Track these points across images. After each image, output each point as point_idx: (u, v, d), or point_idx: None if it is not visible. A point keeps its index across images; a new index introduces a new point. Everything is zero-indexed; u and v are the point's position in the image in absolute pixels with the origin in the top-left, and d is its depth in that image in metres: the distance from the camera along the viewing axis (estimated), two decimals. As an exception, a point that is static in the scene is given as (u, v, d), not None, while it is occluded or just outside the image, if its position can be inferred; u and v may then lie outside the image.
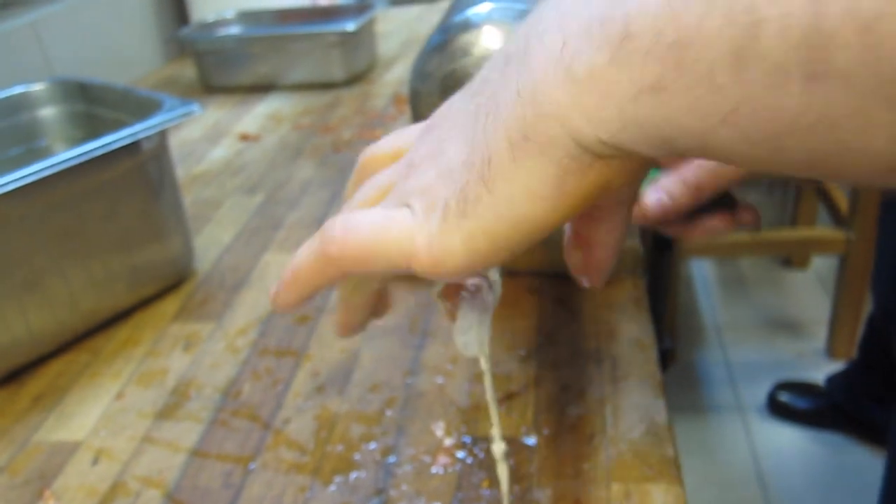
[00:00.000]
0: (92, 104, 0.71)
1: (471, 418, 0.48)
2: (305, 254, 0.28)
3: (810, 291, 2.07)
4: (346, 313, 0.32)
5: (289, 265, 0.28)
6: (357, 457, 0.46)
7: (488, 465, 0.44)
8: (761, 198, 2.20)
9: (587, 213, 0.28)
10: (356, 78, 1.17)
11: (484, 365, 0.33)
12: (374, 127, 0.98)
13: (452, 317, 0.33)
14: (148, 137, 0.59)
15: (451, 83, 0.51)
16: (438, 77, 0.51)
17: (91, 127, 0.70)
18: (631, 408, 0.47)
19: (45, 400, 0.53)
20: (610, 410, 0.47)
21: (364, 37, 1.19)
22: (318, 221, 0.74)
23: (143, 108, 0.62)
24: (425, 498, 0.42)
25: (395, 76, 1.18)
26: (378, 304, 0.33)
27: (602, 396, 0.48)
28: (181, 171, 0.88)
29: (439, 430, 0.47)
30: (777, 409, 1.66)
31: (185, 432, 0.49)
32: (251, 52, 1.15)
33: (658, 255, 0.65)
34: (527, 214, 0.23)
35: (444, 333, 0.56)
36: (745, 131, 0.19)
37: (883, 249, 1.35)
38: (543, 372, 0.51)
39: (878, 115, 0.17)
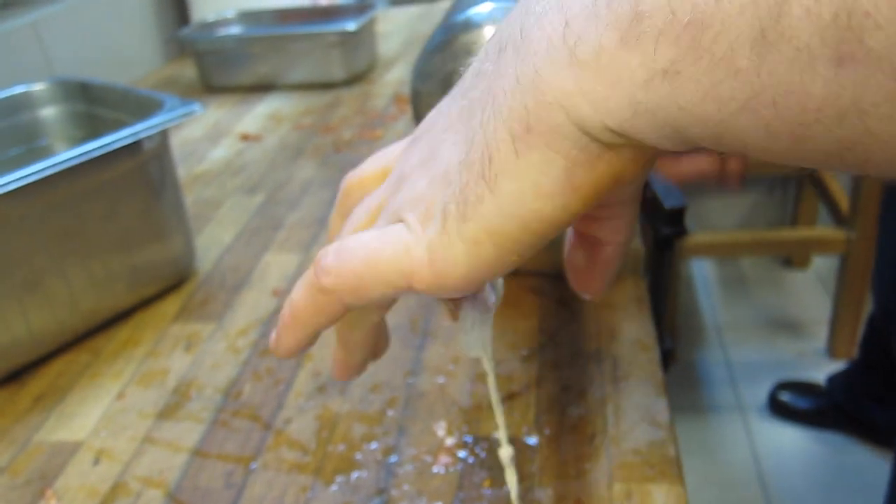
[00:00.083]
0: (93, 104, 0.71)
1: (472, 418, 0.48)
2: (301, 290, 0.26)
3: (811, 291, 2.07)
4: (346, 353, 0.30)
5: (286, 306, 0.26)
6: (358, 456, 0.46)
7: (490, 464, 0.44)
8: (761, 198, 2.19)
9: (591, 212, 0.26)
10: (357, 78, 1.17)
11: (487, 366, 0.33)
12: (374, 127, 0.98)
13: (454, 317, 0.33)
14: (149, 137, 0.59)
15: (452, 83, 0.51)
16: (440, 77, 0.51)
17: (92, 127, 0.70)
18: (632, 408, 0.47)
19: (45, 400, 0.53)
20: (611, 410, 0.47)
21: (364, 37, 1.19)
22: (319, 222, 0.74)
23: (143, 107, 0.62)
24: (427, 498, 0.42)
25: (396, 76, 1.18)
26: (377, 343, 0.31)
27: (603, 396, 0.48)
28: (182, 171, 0.88)
29: (441, 429, 0.47)
30: (778, 408, 1.66)
31: (186, 432, 0.49)
32: (251, 52, 1.15)
33: (659, 254, 0.65)
34: (535, 212, 0.21)
35: (445, 333, 0.56)
36: (767, 120, 0.17)
37: (883, 249, 1.35)
38: (545, 372, 0.51)
39: None
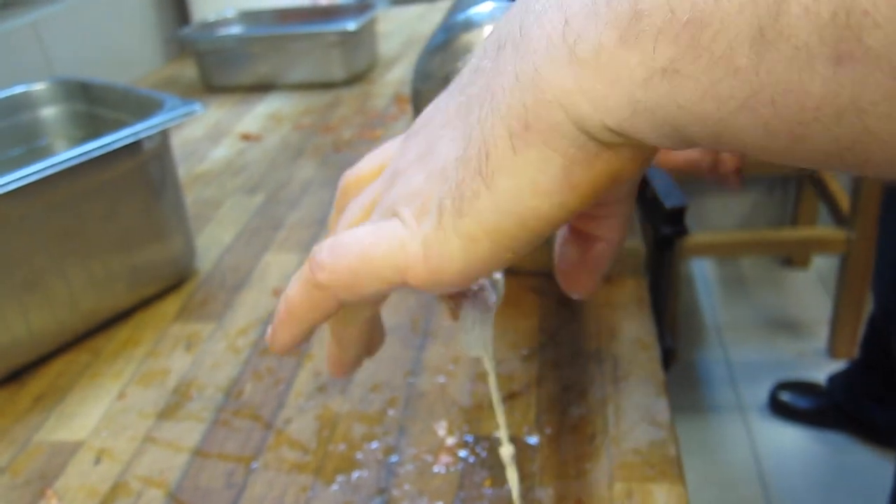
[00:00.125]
0: (93, 104, 0.71)
1: (473, 417, 0.48)
2: (296, 287, 0.26)
3: (811, 291, 2.07)
4: (340, 350, 0.30)
5: (281, 301, 0.26)
6: (359, 456, 0.46)
7: (490, 464, 0.44)
8: (761, 197, 2.19)
9: (587, 209, 0.26)
10: (357, 78, 1.17)
11: (488, 365, 0.33)
12: (374, 127, 0.98)
13: (454, 316, 0.33)
14: (149, 137, 0.59)
15: (452, 82, 0.51)
16: (440, 77, 0.51)
17: (92, 127, 0.70)
18: (633, 407, 0.47)
19: (45, 400, 0.53)
20: (612, 410, 0.47)
21: (365, 36, 1.19)
22: (319, 222, 0.74)
23: (144, 107, 0.62)
24: (427, 497, 0.42)
25: (396, 76, 1.18)
26: (371, 339, 0.31)
27: (604, 396, 0.48)
28: (182, 171, 0.88)
29: (441, 429, 0.47)
30: (778, 408, 1.66)
31: (187, 432, 0.49)
32: (252, 52, 1.15)
33: (659, 254, 0.65)
34: (532, 210, 0.21)
35: (446, 333, 0.56)
36: (766, 118, 0.17)
37: (884, 249, 1.35)
38: (545, 371, 0.51)
39: None
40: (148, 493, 0.45)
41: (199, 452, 0.47)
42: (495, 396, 0.33)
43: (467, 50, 0.50)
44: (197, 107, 0.61)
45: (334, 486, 0.44)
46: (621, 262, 0.59)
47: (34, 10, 1.04)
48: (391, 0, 1.70)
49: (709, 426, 1.67)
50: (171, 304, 0.63)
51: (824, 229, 1.83)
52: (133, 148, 0.58)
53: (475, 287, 0.32)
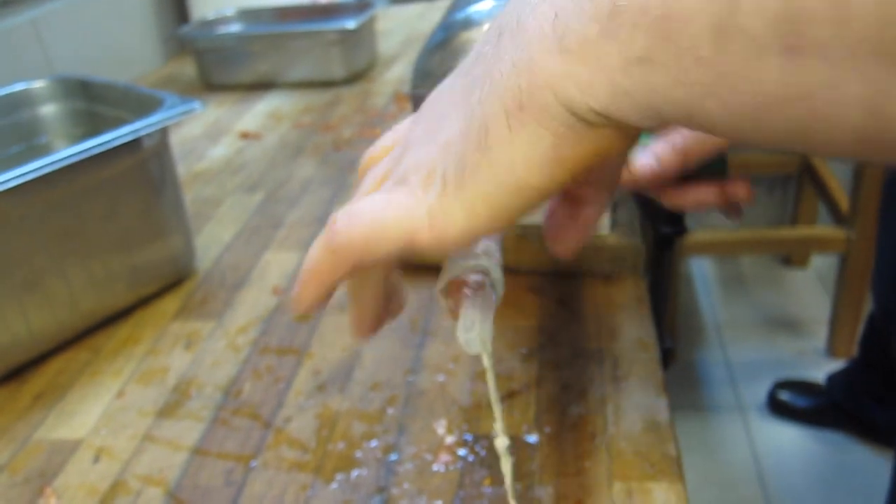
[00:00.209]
0: (93, 102, 0.71)
1: (472, 416, 0.48)
2: (315, 250, 0.28)
3: (810, 290, 2.07)
4: (358, 310, 0.32)
5: (303, 265, 0.29)
6: (358, 455, 0.46)
7: (490, 463, 0.44)
8: (761, 197, 2.19)
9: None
10: (357, 76, 1.17)
11: (486, 362, 0.33)
12: (374, 125, 0.98)
13: (454, 315, 0.33)
14: (149, 135, 0.58)
15: (452, 81, 0.51)
16: (440, 75, 0.51)
17: (92, 124, 0.70)
18: (632, 407, 0.47)
19: (45, 398, 0.53)
20: (611, 409, 0.47)
21: (364, 35, 1.18)
22: (319, 220, 0.74)
23: (143, 105, 0.62)
24: (427, 496, 0.42)
25: (396, 74, 1.18)
26: (391, 303, 0.33)
27: (603, 395, 0.48)
28: (182, 169, 0.88)
29: (441, 428, 0.47)
30: (777, 407, 1.66)
31: (186, 431, 0.49)
32: (251, 50, 1.15)
33: (659, 254, 0.65)
34: (524, 181, 0.24)
35: (445, 332, 0.56)
36: (728, 103, 0.20)
37: (883, 248, 1.35)
38: (545, 371, 0.51)
39: (851, 89, 0.17)
40: (147, 491, 0.45)
41: (198, 451, 0.47)
42: (493, 391, 0.33)
43: (466, 48, 0.50)
44: (196, 105, 0.61)
45: (334, 485, 0.44)
46: (621, 261, 0.59)
47: (34, 8, 1.04)
48: (391, -2, 1.69)
49: (708, 425, 1.67)
50: (170, 303, 0.63)
51: (824, 228, 1.83)
52: (133, 146, 0.58)
53: (476, 285, 0.32)
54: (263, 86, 1.17)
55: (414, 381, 0.51)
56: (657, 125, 0.22)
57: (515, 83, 0.23)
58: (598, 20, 0.21)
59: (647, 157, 0.44)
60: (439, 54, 0.51)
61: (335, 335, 0.57)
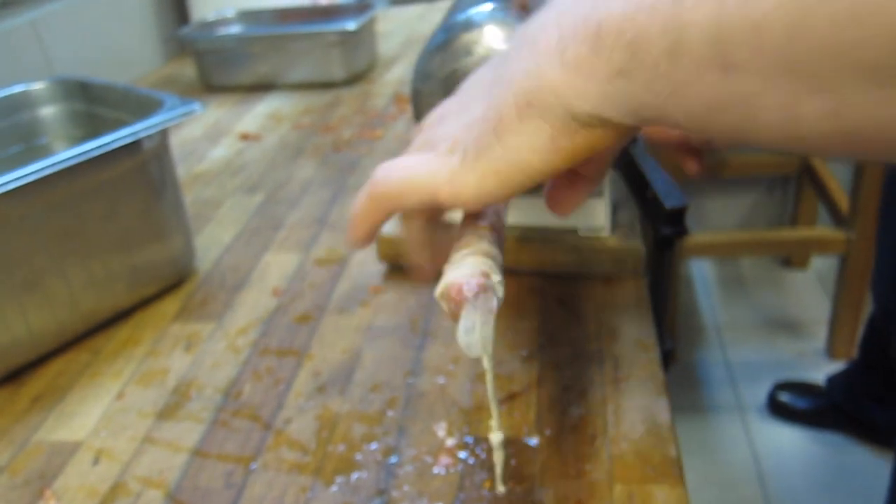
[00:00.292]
0: (92, 103, 0.70)
1: (473, 419, 0.48)
2: (360, 198, 0.35)
3: (810, 291, 2.07)
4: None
5: (351, 210, 0.36)
6: (358, 457, 0.46)
7: (490, 465, 0.44)
8: (761, 198, 2.19)
9: None
10: (356, 77, 1.17)
11: (486, 364, 0.33)
12: (374, 126, 0.98)
13: (454, 317, 0.33)
14: (149, 137, 0.58)
15: (453, 83, 0.51)
16: (440, 77, 0.51)
17: (92, 126, 0.70)
18: (633, 408, 0.47)
19: (45, 400, 0.53)
20: (612, 411, 0.47)
21: (364, 36, 1.18)
22: (319, 221, 0.74)
23: (143, 107, 0.62)
24: (427, 498, 0.42)
25: (396, 75, 1.18)
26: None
27: (604, 397, 0.48)
28: (181, 171, 0.88)
29: (441, 430, 0.47)
30: (777, 409, 1.66)
31: (186, 432, 0.49)
32: (251, 52, 1.15)
33: (659, 255, 0.65)
34: (527, 162, 0.30)
35: (445, 333, 0.56)
36: (684, 107, 0.25)
37: (883, 249, 1.35)
38: (545, 372, 0.51)
39: (770, 98, 0.22)
40: (147, 493, 0.44)
41: (198, 453, 0.47)
42: (491, 392, 0.34)
43: (467, 50, 0.50)
44: (196, 106, 0.61)
45: (334, 487, 0.44)
46: (621, 263, 0.59)
47: (34, 9, 1.04)
48: (390, 0, 1.70)
49: (708, 426, 1.67)
50: (170, 304, 0.63)
51: (823, 230, 1.83)
52: (133, 147, 0.58)
53: (477, 288, 0.32)
54: (263, 87, 1.17)
55: (414, 383, 0.51)
56: (639, 123, 0.28)
57: (527, 86, 0.29)
58: (587, 42, 0.26)
59: None
60: (440, 56, 0.51)
61: (335, 336, 0.57)
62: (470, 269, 0.33)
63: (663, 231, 0.58)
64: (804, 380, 1.68)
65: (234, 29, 1.25)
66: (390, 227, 0.62)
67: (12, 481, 0.46)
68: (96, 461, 0.47)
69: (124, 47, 1.25)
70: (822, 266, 2.13)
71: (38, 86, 0.71)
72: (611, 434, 0.45)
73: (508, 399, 0.49)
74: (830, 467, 1.54)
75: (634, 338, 0.53)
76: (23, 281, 0.54)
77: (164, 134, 0.61)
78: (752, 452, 1.60)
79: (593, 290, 0.59)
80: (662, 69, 0.24)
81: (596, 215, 0.60)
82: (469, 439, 0.46)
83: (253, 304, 0.62)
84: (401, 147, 0.90)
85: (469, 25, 0.50)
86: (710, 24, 0.22)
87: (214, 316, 0.61)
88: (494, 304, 0.32)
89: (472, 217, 0.36)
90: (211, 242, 0.72)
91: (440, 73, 0.51)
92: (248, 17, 1.26)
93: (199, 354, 0.56)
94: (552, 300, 0.58)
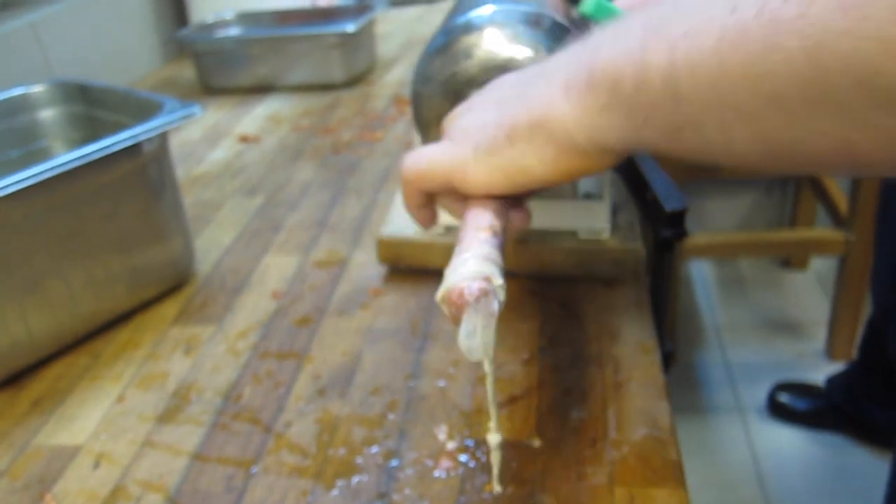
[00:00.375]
0: (92, 106, 0.70)
1: (473, 422, 0.48)
2: (401, 186, 0.42)
3: (810, 292, 2.07)
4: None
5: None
6: (359, 460, 0.45)
7: (491, 468, 0.44)
8: (760, 199, 2.19)
9: None
10: (356, 79, 1.17)
11: (487, 368, 0.33)
12: (374, 128, 0.98)
13: (456, 321, 0.33)
14: (148, 139, 0.58)
15: (453, 85, 0.51)
16: (440, 79, 0.51)
17: (91, 129, 0.70)
18: (634, 411, 0.47)
19: (44, 403, 0.53)
20: (613, 414, 0.47)
21: (364, 38, 1.18)
22: (319, 223, 0.74)
23: (143, 109, 0.61)
24: (428, 502, 0.42)
25: (395, 77, 1.18)
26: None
27: (605, 400, 0.48)
28: (181, 173, 0.88)
29: (442, 433, 0.47)
30: (777, 409, 1.66)
31: (186, 436, 0.49)
32: (250, 54, 1.15)
33: (660, 257, 0.65)
34: (531, 168, 0.37)
35: (446, 336, 0.56)
36: (655, 133, 0.31)
37: (881, 249, 1.36)
38: (546, 375, 0.51)
39: (712, 123, 0.28)
40: (147, 497, 0.44)
41: (198, 456, 0.47)
42: (490, 395, 0.34)
43: (467, 53, 0.50)
44: (196, 109, 0.61)
45: (334, 491, 0.44)
46: (622, 265, 0.59)
47: (33, 11, 1.04)
48: (390, 1, 1.70)
49: (708, 427, 1.67)
50: (170, 307, 0.63)
51: (823, 231, 1.83)
52: (132, 150, 0.58)
53: (478, 292, 0.32)
54: (263, 89, 1.17)
55: (415, 386, 0.51)
56: (628, 148, 0.34)
57: (540, 111, 0.36)
58: (584, 83, 0.34)
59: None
60: (440, 58, 0.51)
61: (335, 339, 0.57)
62: (471, 273, 0.33)
63: (663, 233, 0.58)
64: (804, 381, 1.68)
65: (234, 31, 1.25)
66: (390, 230, 0.62)
67: (12, 485, 0.46)
68: (96, 465, 0.47)
69: (123, 49, 1.25)
70: (822, 267, 2.13)
71: (37, 88, 0.71)
72: (612, 437, 0.45)
73: (509, 402, 0.49)
74: (830, 468, 1.54)
75: (635, 340, 0.53)
76: (23, 283, 0.54)
77: (163, 137, 0.61)
78: (751, 453, 1.60)
79: (594, 293, 0.59)
80: (633, 101, 0.31)
81: (596, 217, 0.60)
82: (470, 442, 0.46)
83: (253, 307, 0.62)
84: (401, 149, 0.90)
85: (469, 28, 0.50)
86: (665, 65, 0.29)
87: (214, 318, 0.61)
88: (496, 307, 0.32)
89: (474, 219, 0.39)
90: (210, 245, 0.72)
91: (440, 75, 0.51)
92: (247, 18, 1.26)
93: (198, 357, 0.56)
94: (553, 302, 0.58)
